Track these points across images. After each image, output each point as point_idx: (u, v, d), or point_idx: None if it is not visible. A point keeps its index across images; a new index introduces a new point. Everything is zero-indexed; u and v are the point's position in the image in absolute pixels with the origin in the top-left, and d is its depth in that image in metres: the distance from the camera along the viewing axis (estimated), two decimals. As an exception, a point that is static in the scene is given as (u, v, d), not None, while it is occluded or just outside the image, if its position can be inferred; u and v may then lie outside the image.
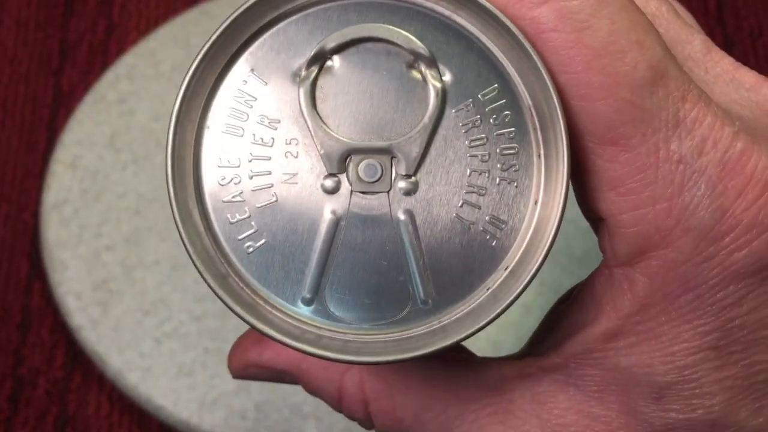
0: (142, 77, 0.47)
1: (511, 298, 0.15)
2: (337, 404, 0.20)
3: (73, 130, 0.46)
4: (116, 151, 0.45)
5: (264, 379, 0.21)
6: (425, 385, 0.18)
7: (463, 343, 0.17)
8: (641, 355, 0.16)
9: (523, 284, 0.15)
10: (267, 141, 0.16)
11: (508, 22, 0.15)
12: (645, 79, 0.15)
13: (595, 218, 0.17)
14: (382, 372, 0.18)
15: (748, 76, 0.17)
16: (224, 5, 0.49)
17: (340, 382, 0.19)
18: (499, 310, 0.15)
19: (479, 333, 0.15)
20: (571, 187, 0.16)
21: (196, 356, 0.41)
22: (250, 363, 0.21)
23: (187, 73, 0.15)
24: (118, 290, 0.42)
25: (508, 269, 0.16)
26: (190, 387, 0.41)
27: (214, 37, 0.15)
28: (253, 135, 0.16)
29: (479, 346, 0.41)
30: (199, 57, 0.15)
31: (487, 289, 0.16)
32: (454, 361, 0.19)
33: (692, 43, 0.17)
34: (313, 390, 0.20)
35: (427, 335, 0.16)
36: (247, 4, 0.15)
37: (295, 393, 0.41)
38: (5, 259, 0.45)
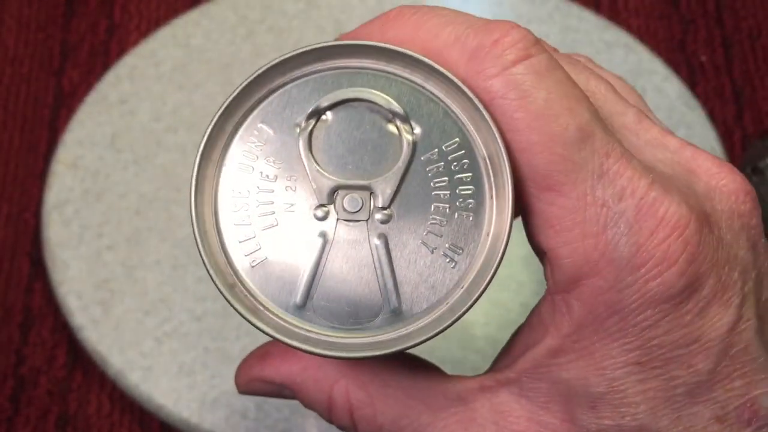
0: (143, 78, 0.47)
1: (464, 309, 0.19)
2: (328, 414, 0.23)
3: (74, 130, 0.46)
4: (117, 152, 0.45)
5: (266, 394, 0.24)
6: (402, 395, 0.21)
7: (436, 360, 0.22)
8: (578, 370, 0.19)
9: (474, 299, 0.19)
10: (271, 177, 0.20)
11: (467, 90, 0.19)
12: (574, 138, 0.18)
13: (539, 252, 0.20)
14: (365, 383, 0.22)
15: (673, 141, 0.20)
16: (225, 6, 0.49)
17: (330, 393, 0.22)
18: (453, 319, 0.19)
19: (448, 331, 0.19)
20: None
21: (196, 356, 0.41)
22: (254, 378, 0.24)
23: (211, 121, 0.19)
24: (119, 290, 0.42)
25: (464, 288, 0.19)
26: (190, 386, 0.41)
27: (234, 93, 0.19)
28: (261, 172, 0.20)
29: (479, 345, 0.42)
30: (221, 109, 0.19)
31: (446, 304, 0.19)
32: (427, 375, 0.22)
33: (626, 114, 0.20)
34: (307, 401, 0.23)
35: (395, 339, 0.19)
36: (261, 71, 0.19)
37: (296, 392, 0.41)
38: (6, 259, 0.45)
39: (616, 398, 0.19)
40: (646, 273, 0.18)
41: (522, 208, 0.20)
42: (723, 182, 0.20)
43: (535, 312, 0.21)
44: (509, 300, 0.43)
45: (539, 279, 0.43)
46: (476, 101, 0.19)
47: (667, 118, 0.47)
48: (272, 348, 0.23)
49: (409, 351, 0.20)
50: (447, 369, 0.43)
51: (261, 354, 0.24)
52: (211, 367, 0.41)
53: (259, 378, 0.23)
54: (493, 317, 0.42)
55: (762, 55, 0.49)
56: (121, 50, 0.49)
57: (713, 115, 0.48)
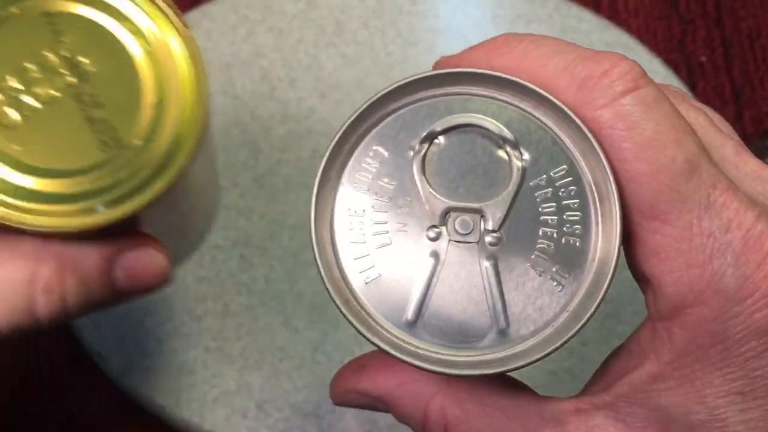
0: (144, 78, 0.47)
1: (570, 334, 0.19)
2: (422, 429, 0.23)
3: (74, 130, 0.46)
4: (118, 152, 0.46)
5: (360, 406, 0.24)
6: (498, 414, 0.22)
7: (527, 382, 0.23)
8: (678, 397, 0.19)
9: (581, 323, 0.19)
10: (385, 198, 0.21)
11: (577, 119, 0.19)
12: (682, 169, 0.19)
13: (641, 279, 0.21)
14: (462, 401, 0.22)
15: None
16: (225, 7, 0.49)
17: (425, 409, 0.22)
18: (559, 343, 0.19)
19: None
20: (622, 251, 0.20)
21: (197, 355, 0.41)
22: (350, 389, 0.24)
23: (330, 143, 0.20)
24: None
25: (570, 311, 0.20)
26: (191, 386, 0.41)
27: (352, 117, 0.20)
28: (375, 192, 0.21)
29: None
30: (340, 132, 0.20)
31: (553, 326, 0.20)
32: (522, 395, 0.22)
33: (725, 146, 0.21)
34: (401, 415, 0.23)
35: (502, 359, 0.20)
36: (377, 96, 0.20)
37: (296, 392, 0.41)
38: (7, 259, 0.45)
39: (716, 427, 0.19)
40: (753, 304, 0.18)
41: (625, 234, 0.20)
42: None
43: (634, 338, 0.21)
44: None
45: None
46: (585, 130, 0.19)
47: (667, 118, 0.47)
48: (368, 361, 0.24)
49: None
50: (447, 369, 0.43)
51: (357, 367, 0.24)
52: (212, 367, 0.41)
53: (355, 390, 0.24)
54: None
55: (761, 56, 0.50)
56: (122, 50, 0.49)
57: (713, 116, 0.48)
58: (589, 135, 0.19)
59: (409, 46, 0.48)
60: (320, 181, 0.20)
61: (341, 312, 0.20)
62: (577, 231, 0.20)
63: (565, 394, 0.40)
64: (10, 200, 0.22)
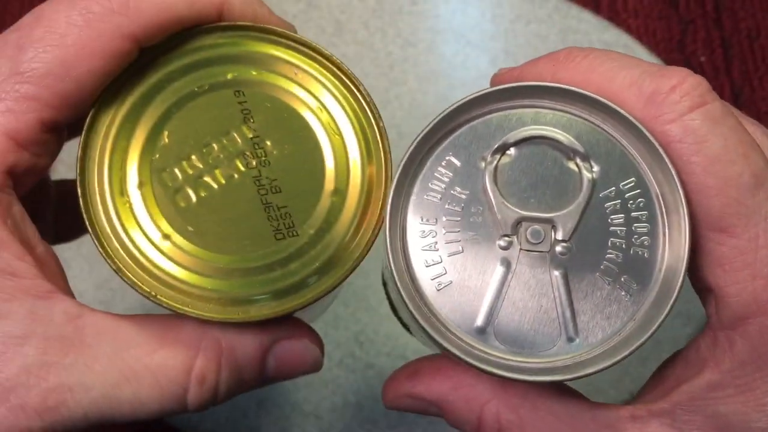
0: (144, 78, 0.47)
1: (639, 343, 0.19)
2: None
3: (75, 130, 0.46)
4: (118, 152, 0.46)
5: (413, 410, 0.24)
6: (552, 420, 0.22)
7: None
8: (738, 405, 0.20)
9: (650, 333, 0.19)
10: (458, 206, 0.21)
11: (647, 132, 0.20)
12: (749, 183, 0.19)
13: (703, 289, 0.21)
14: (516, 406, 0.22)
15: None
16: (225, 6, 0.49)
17: (480, 414, 0.22)
18: (628, 352, 0.19)
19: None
20: None
21: (197, 355, 0.41)
22: (404, 394, 0.24)
23: (405, 153, 0.21)
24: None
25: (637, 320, 0.20)
26: (191, 385, 0.41)
27: (427, 129, 0.20)
28: (448, 201, 0.21)
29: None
30: (415, 142, 0.21)
31: (620, 335, 0.20)
32: (575, 401, 0.22)
33: None
34: (454, 419, 0.23)
35: (570, 366, 0.20)
36: (449, 110, 0.21)
37: (296, 391, 0.41)
38: (8, 259, 0.45)
39: None
40: None
41: (693, 246, 0.20)
42: None
43: (692, 346, 0.21)
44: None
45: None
46: (655, 143, 0.20)
47: (666, 118, 0.47)
48: (422, 366, 0.24)
49: None
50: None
51: (411, 372, 0.24)
52: (212, 366, 0.41)
53: (409, 394, 0.24)
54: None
55: (761, 56, 0.50)
56: (122, 50, 0.49)
57: (712, 116, 0.48)
58: (660, 148, 0.20)
59: (409, 46, 0.48)
60: (395, 190, 0.20)
61: (414, 318, 0.20)
62: (645, 242, 0.20)
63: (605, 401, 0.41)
64: (178, 285, 0.21)
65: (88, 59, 0.20)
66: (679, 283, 0.20)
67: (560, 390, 0.23)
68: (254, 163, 0.22)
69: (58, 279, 0.22)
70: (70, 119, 0.21)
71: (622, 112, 0.20)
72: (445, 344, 0.20)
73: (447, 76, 0.47)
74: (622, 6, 0.51)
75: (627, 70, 0.20)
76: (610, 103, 0.20)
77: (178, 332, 0.21)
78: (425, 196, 0.21)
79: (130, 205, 0.22)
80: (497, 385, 0.22)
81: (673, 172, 0.20)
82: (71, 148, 0.24)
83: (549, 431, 0.22)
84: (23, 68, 0.20)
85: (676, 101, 0.20)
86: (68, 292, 0.22)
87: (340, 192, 0.22)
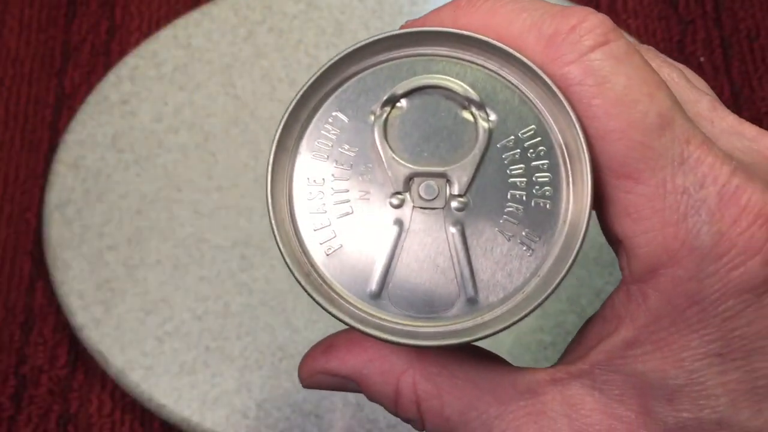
0: (145, 78, 0.47)
1: (541, 299, 0.18)
2: (394, 406, 0.22)
3: (75, 130, 0.46)
4: (118, 152, 0.46)
5: (330, 388, 0.23)
6: (470, 387, 0.21)
7: (500, 353, 0.22)
8: (655, 361, 0.19)
9: (551, 288, 0.18)
10: (346, 165, 0.20)
11: (545, 76, 0.19)
12: (654, 124, 0.18)
13: (614, 241, 0.20)
14: (433, 375, 0.21)
15: (750, 129, 0.20)
16: (225, 7, 0.49)
17: (396, 385, 0.21)
18: (529, 310, 0.19)
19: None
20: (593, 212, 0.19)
21: (197, 355, 0.41)
22: (318, 370, 0.23)
23: (286, 110, 0.19)
24: (121, 289, 0.43)
25: (540, 276, 0.19)
26: (191, 385, 0.41)
27: (308, 82, 0.19)
28: (336, 160, 0.20)
29: (479, 344, 0.42)
30: (296, 98, 0.19)
31: (523, 293, 0.19)
32: (495, 367, 0.21)
33: (700, 102, 0.20)
34: (372, 394, 0.22)
35: (471, 328, 0.19)
36: (336, 59, 0.19)
37: (297, 392, 0.41)
38: (8, 259, 0.45)
39: (695, 390, 0.19)
40: (729, 262, 0.18)
41: (597, 196, 0.19)
42: None
43: (608, 303, 0.20)
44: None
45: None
46: (554, 87, 0.19)
47: (666, 118, 0.47)
48: (336, 340, 0.23)
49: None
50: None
51: (325, 347, 0.23)
52: (212, 366, 0.41)
53: (324, 370, 0.23)
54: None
55: (760, 56, 0.50)
56: (123, 51, 0.49)
57: (712, 116, 0.48)
58: (558, 92, 0.19)
59: (409, 46, 0.48)
60: (276, 150, 0.19)
61: (301, 286, 0.19)
62: (547, 193, 0.19)
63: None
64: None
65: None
66: (581, 236, 0.18)
67: (480, 356, 0.22)
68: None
69: None
70: None
71: (518, 54, 0.19)
72: (336, 313, 0.19)
73: (447, 77, 0.47)
74: (622, 6, 0.51)
75: (527, 12, 0.19)
76: (504, 47, 0.19)
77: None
78: (312, 156, 0.20)
79: None
80: (413, 355, 0.21)
81: (573, 116, 0.18)
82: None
83: (468, 399, 0.21)
84: None
85: (575, 41, 0.18)
86: None
87: None
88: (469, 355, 0.22)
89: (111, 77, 0.48)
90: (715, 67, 0.49)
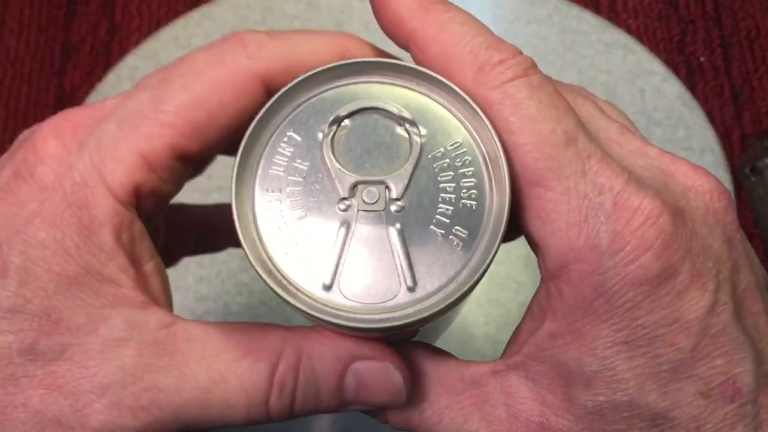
0: (144, 78, 0.47)
1: (468, 286, 0.21)
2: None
3: (75, 130, 0.46)
4: (118, 152, 0.46)
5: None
6: (423, 381, 0.23)
7: (449, 348, 0.25)
8: (574, 351, 0.21)
9: (479, 275, 0.21)
10: (299, 177, 0.23)
11: (467, 98, 0.22)
12: (560, 140, 0.21)
13: (532, 244, 0.22)
14: None
15: (653, 150, 0.23)
16: (225, 7, 0.49)
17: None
18: (459, 295, 0.21)
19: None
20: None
21: (197, 355, 0.41)
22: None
23: (248, 129, 0.22)
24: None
25: (469, 266, 0.22)
26: (191, 386, 0.41)
27: (266, 106, 0.22)
28: (291, 173, 0.23)
29: (478, 344, 0.42)
30: (255, 121, 0.22)
31: (456, 281, 0.22)
32: (445, 361, 0.24)
33: (610, 128, 0.23)
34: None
35: (411, 313, 0.22)
36: (288, 87, 0.23)
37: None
38: (8, 259, 0.45)
39: (607, 376, 0.21)
40: (625, 257, 0.20)
41: (515, 202, 0.22)
42: (699, 182, 0.22)
43: (534, 301, 0.23)
44: (508, 300, 0.43)
45: (539, 279, 0.43)
46: (476, 107, 0.22)
47: (666, 118, 0.47)
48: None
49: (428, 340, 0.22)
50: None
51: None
52: (212, 366, 0.41)
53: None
54: (493, 317, 0.42)
55: (760, 56, 0.50)
56: (122, 51, 0.50)
57: (712, 116, 0.48)
58: (479, 111, 0.22)
59: (408, 46, 0.48)
60: (239, 166, 0.22)
61: (265, 282, 0.21)
62: (473, 195, 0.22)
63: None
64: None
65: (221, 93, 0.23)
66: (502, 229, 0.21)
67: (432, 353, 0.24)
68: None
69: (158, 294, 0.24)
70: (198, 151, 0.23)
71: (446, 81, 0.22)
72: (296, 303, 0.21)
73: (447, 77, 0.47)
74: (622, 6, 0.51)
75: (470, 38, 0.22)
76: (434, 74, 0.23)
77: (262, 340, 0.23)
78: (270, 170, 0.23)
79: None
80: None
81: (492, 131, 0.22)
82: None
83: (420, 391, 0.23)
84: (163, 98, 0.23)
85: (501, 72, 0.21)
86: (165, 306, 0.24)
87: None
88: (423, 353, 0.24)
89: (111, 77, 0.48)
90: (715, 67, 0.49)
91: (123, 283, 0.22)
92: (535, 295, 0.23)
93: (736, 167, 0.47)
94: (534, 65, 0.22)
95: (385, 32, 0.24)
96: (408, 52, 0.24)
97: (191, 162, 0.24)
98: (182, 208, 0.34)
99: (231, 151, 0.28)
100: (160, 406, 0.21)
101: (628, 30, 0.50)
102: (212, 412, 0.22)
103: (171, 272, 0.44)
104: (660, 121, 0.47)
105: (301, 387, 0.23)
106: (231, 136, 0.24)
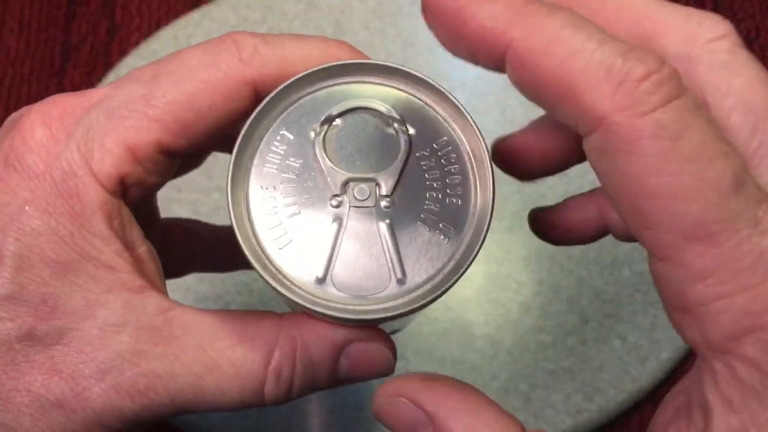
0: (144, 78, 0.47)
1: (455, 278, 0.22)
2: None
3: (75, 130, 0.46)
4: (118, 152, 0.46)
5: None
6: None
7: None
8: None
9: (464, 268, 0.22)
10: (293, 174, 0.23)
11: (454, 99, 0.23)
12: (730, 184, 0.17)
13: (679, 309, 0.18)
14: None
15: None
16: (225, 8, 0.49)
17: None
18: (446, 286, 0.22)
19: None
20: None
21: (197, 355, 0.41)
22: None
23: (242, 129, 0.23)
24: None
25: (455, 260, 0.23)
26: (191, 386, 0.41)
27: (260, 106, 0.23)
28: (284, 170, 0.23)
29: (478, 344, 0.42)
30: (249, 121, 0.23)
31: (442, 273, 0.23)
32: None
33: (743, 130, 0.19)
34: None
35: (400, 304, 0.22)
36: (281, 87, 0.23)
37: (296, 392, 0.41)
38: (8, 259, 0.45)
39: None
40: None
41: (660, 258, 0.18)
42: None
43: (692, 387, 0.19)
44: (509, 300, 0.43)
45: (539, 278, 0.43)
46: (460, 106, 0.23)
47: (666, 118, 0.47)
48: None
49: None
50: (447, 367, 0.43)
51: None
52: (212, 366, 0.41)
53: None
54: (493, 317, 0.43)
55: (760, 56, 0.50)
56: (123, 51, 0.50)
57: (712, 116, 0.48)
58: (465, 111, 0.23)
59: (409, 46, 0.48)
60: (234, 165, 0.23)
61: (260, 275, 0.22)
62: (458, 192, 0.23)
63: (565, 392, 0.41)
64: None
65: (211, 95, 0.23)
66: (486, 224, 0.22)
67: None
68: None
69: (154, 278, 0.24)
70: (184, 148, 0.23)
71: (430, 81, 0.23)
72: (290, 296, 0.22)
73: (446, 77, 0.47)
74: (622, 6, 0.51)
75: (596, 44, 0.18)
76: (422, 76, 0.23)
77: (257, 328, 0.23)
78: (264, 168, 0.23)
79: None
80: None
81: (477, 130, 0.23)
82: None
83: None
84: (154, 93, 0.23)
85: (650, 91, 0.17)
86: (161, 290, 0.24)
87: None
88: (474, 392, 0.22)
89: (111, 78, 0.48)
90: (715, 67, 0.49)
91: (120, 268, 0.23)
92: (692, 379, 0.19)
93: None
94: (682, 79, 0.18)
95: (463, 54, 0.21)
96: (502, 71, 0.20)
97: (177, 156, 0.24)
98: (198, 223, 0.35)
99: (223, 147, 0.28)
100: (156, 391, 0.22)
101: (628, 30, 0.50)
102: (206, 398, 0.22)
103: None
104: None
105: (299, 375, 0.23)
106: (217, 136, 0.24)
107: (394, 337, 0.25)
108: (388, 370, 0.24)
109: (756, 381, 0.17)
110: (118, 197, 0.23)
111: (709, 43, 0.19)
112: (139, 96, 0.23)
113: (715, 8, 0.51)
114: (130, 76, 0.24)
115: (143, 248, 0.24)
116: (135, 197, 0.24)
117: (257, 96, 0.24)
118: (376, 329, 0.24)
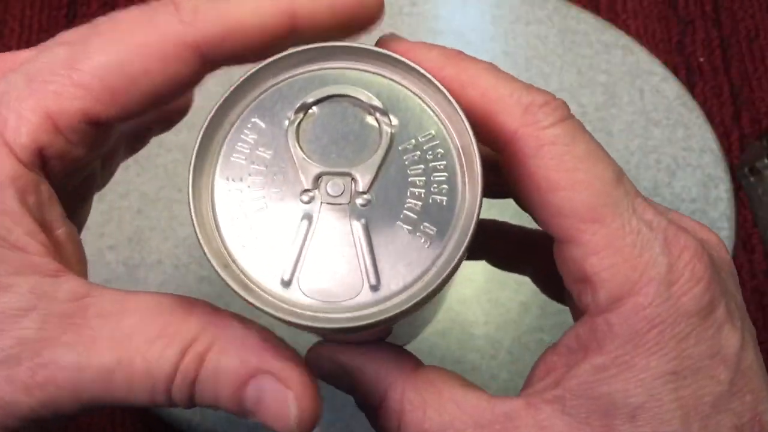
0: (145, 78, 0.47)
1: (435, 286, 0.20)
2: (376, 410, 0.23)
3: (76, 130, 0.46)
4: (119, 152, 0.46)
5: (326, 374, 0.24)
6: (453, 406, 0.23)
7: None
8: (620, 383, 0.21)
9: (445, 275, 0.20)
10: (262, 165, 0.21)
11: (443, 88, 0.21)
12: (612, 179, 0.21)
13: (578, 280, 0.22)
14: (420, 389, 0.23)
15: (659, 205, 0.23)
16: (226, 7, 0.49)
17: (386, 391, 0.23)
18: (425, 295, 0.20)
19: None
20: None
21: (198, 355, 0.41)
22: (326, 355, 0.24)
23: (208, 115, 0.21)
24: (121, 289, 0.43)
25: (437, 265, 0.21)
26: (192, 385, 0.41)
27: (230, 90, 0.21)
28: (253, 161, 0.21)
29: (478, 344, 0.42)
30: (218, 104, 0.21)
31: (422, 281, 0.20)
32: (476, 393, 0.23)
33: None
34: (361, 391, 0.24)
35: (373, 313, 0.20)
36: (253, 71, 0.21)
37: (296, 391, 0.41)
38: (9, 259, 0.45)
39: (654, 407, 0.21)
40: (679, 289, 0.21)
41: (563, 240, 0.22)
42: (709, 236, 0.23)
43: (571, 335, 0.23)
44: (508, 300, 0.43)
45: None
46: (450, 97, 0.21)
47: (666, 118, 0.47)
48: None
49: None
50: (447, 367, 0.43)
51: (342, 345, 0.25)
52: (213, 366, 0.41)
53: (331, 356, 0.24)
54: (493, 317, 0.43)
55: (760, 56, 0.50)
56: (123, 51, 0.50)
57: (711, 116, 0.48)
58: (454, 102, 0.21)
59: (408, 46, 0.48)
60: (198, 153, 0.21)
61: (219, 276, 0.20)
62: (444, 190, 0.21)
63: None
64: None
65: (146, 59, 0.21)
66: (472, 227, 0.20)
67: (464, 382, 0.24)
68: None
69: (73, 263, 0.22)
70: (116, 118, 0.21)
71: (419, 68, 0.21)
72: (251, 299, 0.20)
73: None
74: (622, 7, 0.51)
75: (508, 82, 0.22)
76: (407, 60, 0.21)
77: (181, 322, 0.21)
78: (232, 158, 0.21)
79: None
80: (407, 368, 0.23)
81: (467, 123, 0.21)
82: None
83: (449, 417, 0.22)
84: (80, 56, 0.21)
85: (548, 113, 0.22)
86: (81, 275, 0.22)
87: None
88: (456, 380, 0.23)
89: (111, 77, 0.47)
90: (714, 67, 0.49)
91: (31, 249, 0.20)
92: (573, 331, 0.23)
93: (734, 167, 0.48)
94: (568, 107, 0.23)
95: None
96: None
97: (109, 127, 0.22)
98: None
99: (165, 125, 0.26)
100: (57, 384, 0.20)
101: (628, 30, 0.50)
102: (114, 394, 0.20)
103: (174, 271, 0.44)
104: (659, 121, 0.47)
105: (201, 380, 0.21)
106: (157, 105, 0.22)
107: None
108: (287, 430, 0.21)
109: (625, 332, 0.21)
110: (36, 171, 0.21)
111: (544, 131, 0.22)
112: (64, 59, 0.21)
113: (715, 8, 0.51)
114: (58, 39, 0.22)
115: (62, 229, 0.22)
116: (58, 171, 0.22)
117: (203, 60, 0.22)
118: (306, 371, 0.22)
